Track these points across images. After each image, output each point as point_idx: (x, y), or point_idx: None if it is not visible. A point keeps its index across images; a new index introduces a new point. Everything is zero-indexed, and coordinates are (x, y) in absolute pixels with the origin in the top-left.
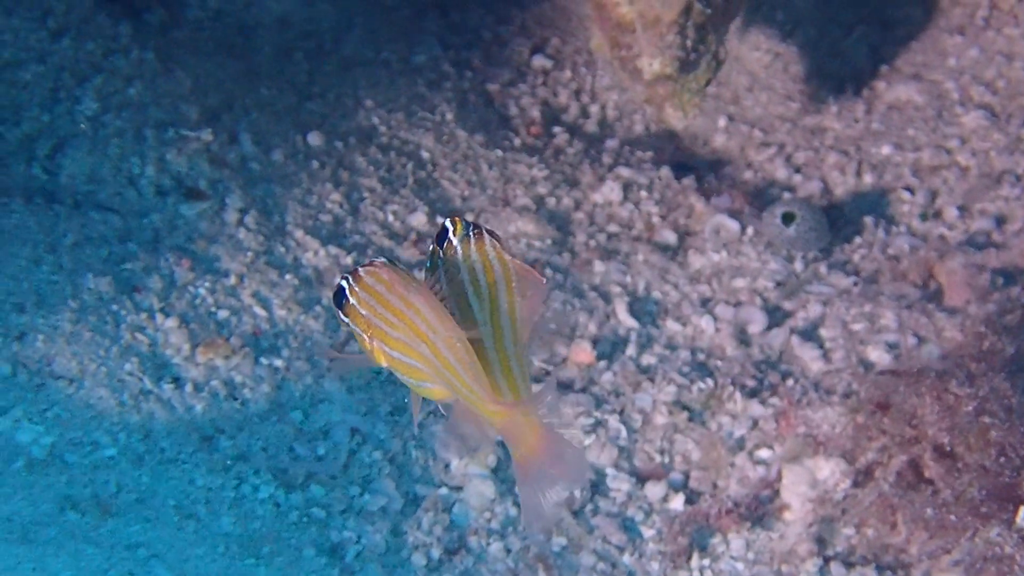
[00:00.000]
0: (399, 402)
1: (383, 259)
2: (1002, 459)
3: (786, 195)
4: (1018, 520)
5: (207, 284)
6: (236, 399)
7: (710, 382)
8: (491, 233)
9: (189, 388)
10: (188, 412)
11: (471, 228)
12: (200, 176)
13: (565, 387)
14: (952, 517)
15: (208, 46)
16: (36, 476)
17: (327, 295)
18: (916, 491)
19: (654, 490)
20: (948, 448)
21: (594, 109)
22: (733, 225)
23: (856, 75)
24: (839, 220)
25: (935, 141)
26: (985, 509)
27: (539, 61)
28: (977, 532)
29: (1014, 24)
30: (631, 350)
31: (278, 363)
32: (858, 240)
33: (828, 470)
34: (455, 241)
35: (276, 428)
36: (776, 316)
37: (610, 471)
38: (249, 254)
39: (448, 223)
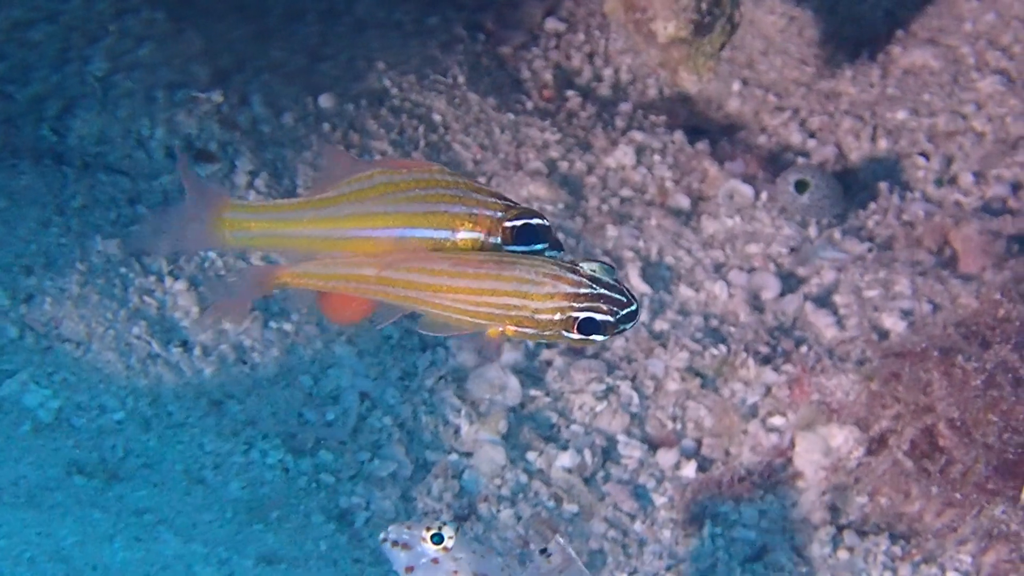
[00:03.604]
0: (409, 367)
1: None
2: (1007, 435)
3: (800, 160)
4: (1023, 497)
5: None
6: (245, 363)
7: (723, 348)
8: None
9: (198, 352)
10: (197, 376)
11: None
12: (210, 138)
13: (576, 353)
14: (958, 495)
15: (219, 7)
16: (43, 440)
17: None
18: (931, 460)
19: (666, 457)
20: (959, 422)
21: (607, 72)
22: (747, 190)
23: (872, 39)
24: (854, 185)
25: (951, 106)
26: (991, 486)
27: (552, 24)
28: (983, 510)
29: None
30: (643, 316)
31: (287, 327)
32: (873, 206)
33: (842, 438)
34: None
35: (285, 393)
36: (790, 282)
37: (622, 438)
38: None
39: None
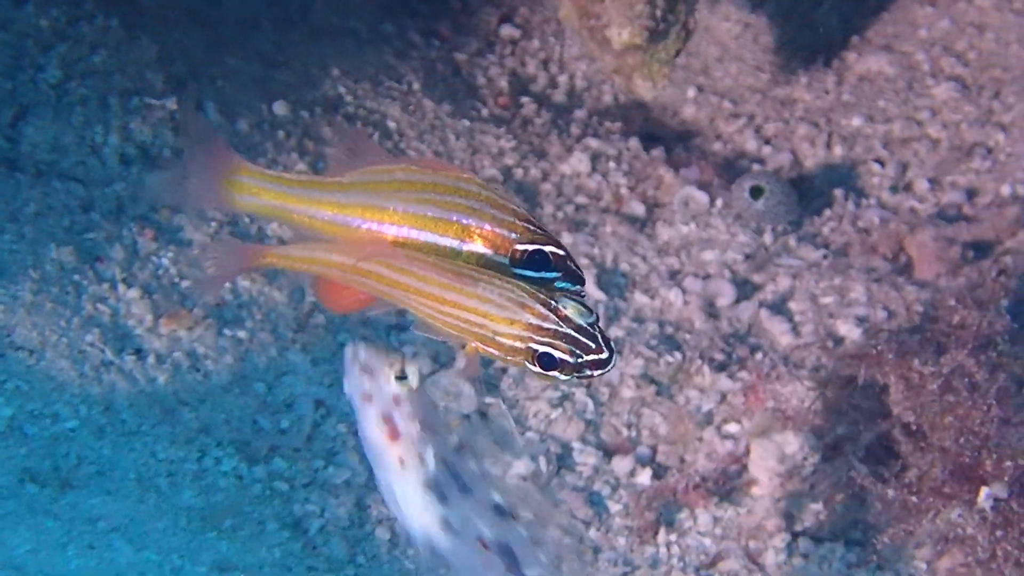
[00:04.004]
0: None
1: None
2: (963, 439)
3: (755, 167)
4: (979, 500)
5: (171, 254)
6: (199, 371)
7: (678, 355)
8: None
9: (151, 359)
10: (150, 384)
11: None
12: (164, 145)
13: None
14: (914, 499)
15: (174, 14)
16: None
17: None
18: (886, 466)
19: (621, 464)
20: (915, 427)
21: (562, 79)
22: (702, 197)
23: (827, 46)
24: (809, 192)
25: (906, 113)
26: (947, 490)
27: (507, 30)
28: (939, 513)
29: None
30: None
31: (241, 334)
32: (828, 212)
33: (797, 445)
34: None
35: (239, 400)
36: (745, 289)
37: (576, 445)
38: (213, 224)
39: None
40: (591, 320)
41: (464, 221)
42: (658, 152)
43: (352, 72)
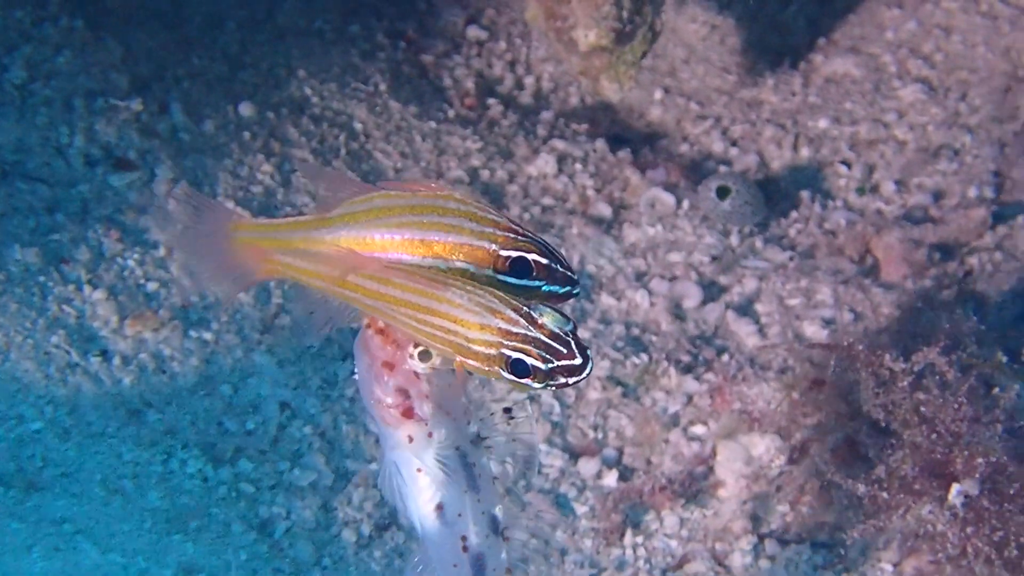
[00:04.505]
0: (329, 376)
1: None
2: (934, 436)
3: (722, 168)
4: (950, 498)
5: (136, 256)
6: (164, 372)
7: (644, 357)
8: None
9: (117, 361)
10: (116, 385)
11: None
12: (129, 146)
13: None
14: (884, 495)
15: (139, 14)
16: None
17: None
18: (852, 468)
19: (587, 466)
20: (884, 424)
21: (529, 81)
22: (668, 199)
23: (794, 48)
24: (775, 194)
25: (872, 115)
26: (918, 487)
27: (474, 32)
28: (909, 510)
29: None
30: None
31: (207, 336)
32: (794, 214)
33: (763, 447)
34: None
35: (205, 402)
36: (712, 291)
37: (543, 447)
38: (179, 225)
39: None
40: (568, 327)
41: (443, 239)
42: (624, 154)
43: (318, 73)
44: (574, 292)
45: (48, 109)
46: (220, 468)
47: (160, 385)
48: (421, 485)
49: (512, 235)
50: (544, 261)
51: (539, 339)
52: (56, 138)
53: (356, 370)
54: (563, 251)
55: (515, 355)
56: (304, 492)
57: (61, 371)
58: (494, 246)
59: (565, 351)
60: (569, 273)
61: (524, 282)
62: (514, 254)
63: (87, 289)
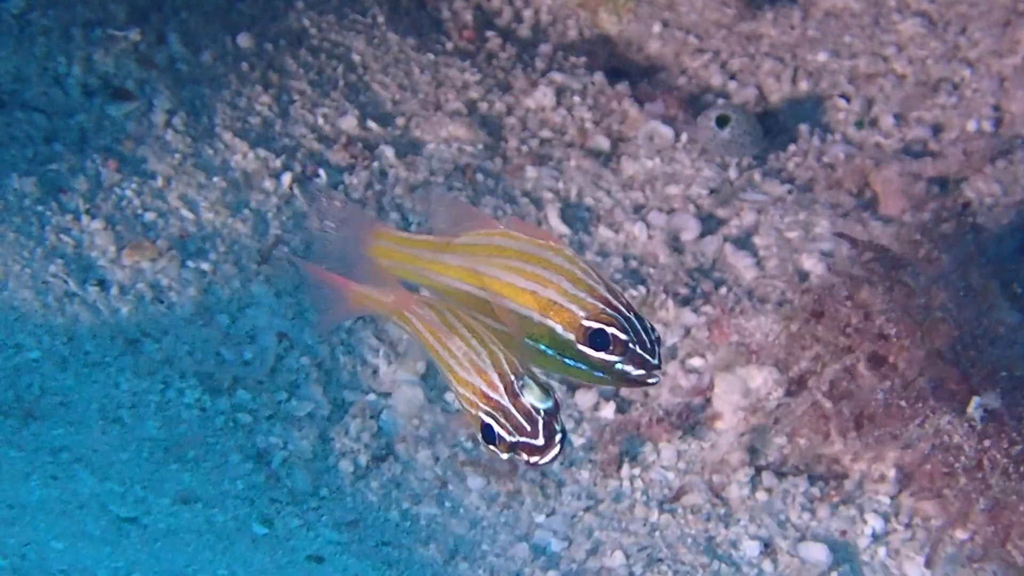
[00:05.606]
0: None
1: None
2: (959, 348)
3: (720, 101)
4: (969, 410)
5: (134, 186)
6: (162, 302)
7: (642, 289)
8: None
9: (114, 291)
10: (113, 315)
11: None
12: (127, 76)
13: None
14: (902, 403)
15: None
16: None
17: (255, 198)
18: (849, 400)
19: (584, 399)
20: (895, 338)
21: (528, 13)
22: (667, 131)
23: None
24: (774, 127)
25: (871, 48)
26: (933, 401)
27: None
28: (927, 419)
29: None
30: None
31: (205, 266)
32: (793, 148)
33: (761, 379)
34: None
35: (202, 332)
36: (710, 223)
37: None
38: (177, 156)
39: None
40: (545, 406)
41: (539, 292)
42: (623, 87)
43: (316, 5)
44: (648, 380)
45: (46, 39)
46: (218, 398)
47: (158, 315)
48: None
49: (602, 304)
50: (623, 338)
51: (508, 410)
52: (54, 68)
53: None
54: (658, 335)
55: (487, 420)
56: (301, 422)
57: (59, 300)
58: (582, 312)
59: (530, 428)
60: (648, 358)
61: (601, 355)
62: (595, 325)
63: (85, 219)
